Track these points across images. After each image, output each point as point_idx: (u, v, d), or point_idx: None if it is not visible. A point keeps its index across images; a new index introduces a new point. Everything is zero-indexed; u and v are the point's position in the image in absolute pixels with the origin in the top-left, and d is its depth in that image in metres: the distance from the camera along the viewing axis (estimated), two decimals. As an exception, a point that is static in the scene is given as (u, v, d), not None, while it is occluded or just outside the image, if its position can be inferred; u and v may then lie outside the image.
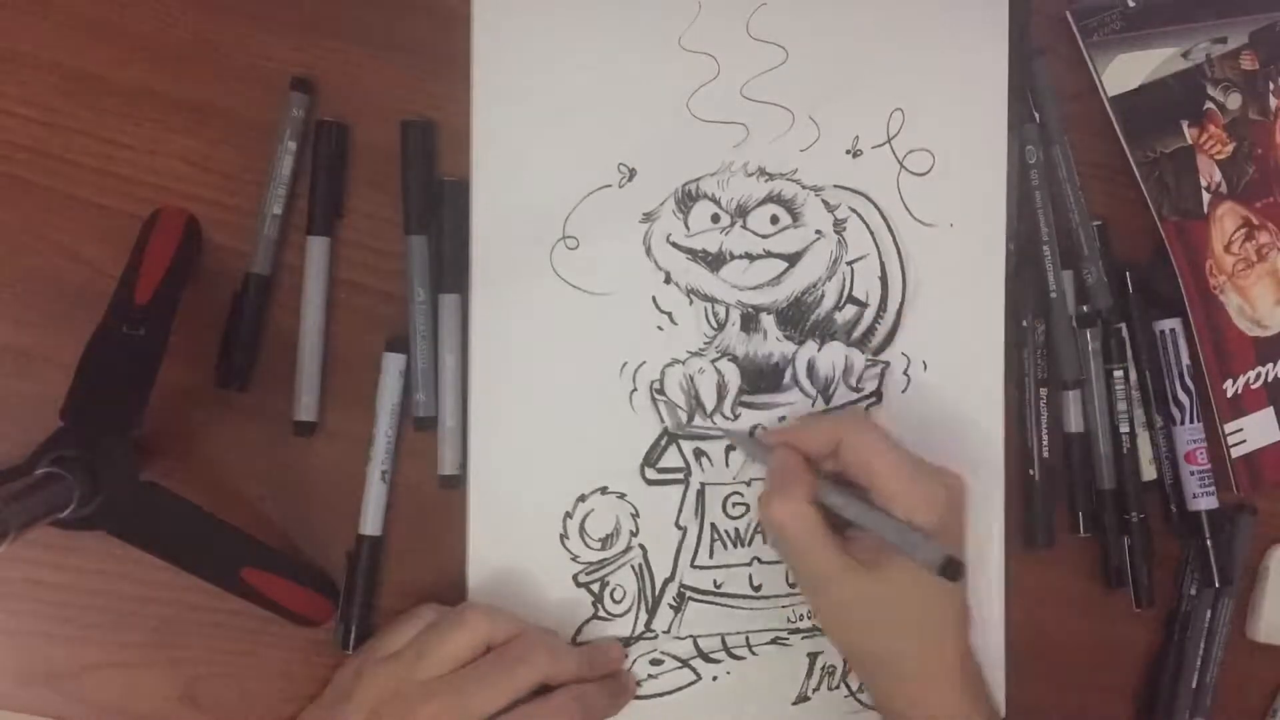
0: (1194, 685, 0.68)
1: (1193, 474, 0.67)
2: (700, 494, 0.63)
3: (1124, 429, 0.67)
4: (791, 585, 0.63)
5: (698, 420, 0.63)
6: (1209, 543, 0.67)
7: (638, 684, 0.62)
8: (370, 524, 0.61)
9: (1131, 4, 0.67)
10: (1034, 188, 0.66)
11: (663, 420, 0.62)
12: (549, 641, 0.59)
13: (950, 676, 0.57)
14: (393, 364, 0.61)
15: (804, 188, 0.63)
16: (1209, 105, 0.67)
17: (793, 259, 0.63)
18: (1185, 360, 0.67)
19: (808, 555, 0.56)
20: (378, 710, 0.55)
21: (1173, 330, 0.67)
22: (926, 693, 0.57)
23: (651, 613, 0.62)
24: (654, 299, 0.62)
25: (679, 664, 0.63)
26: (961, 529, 0.59)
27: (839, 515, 0.57)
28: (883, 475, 0.56)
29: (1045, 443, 0.66)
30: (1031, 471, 0.66)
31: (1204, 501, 0.67)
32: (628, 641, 0.62)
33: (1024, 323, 0.66)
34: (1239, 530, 0.68)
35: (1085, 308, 0.67)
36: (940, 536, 0.55)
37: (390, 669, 0.56)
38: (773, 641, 0.63)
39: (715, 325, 0.63)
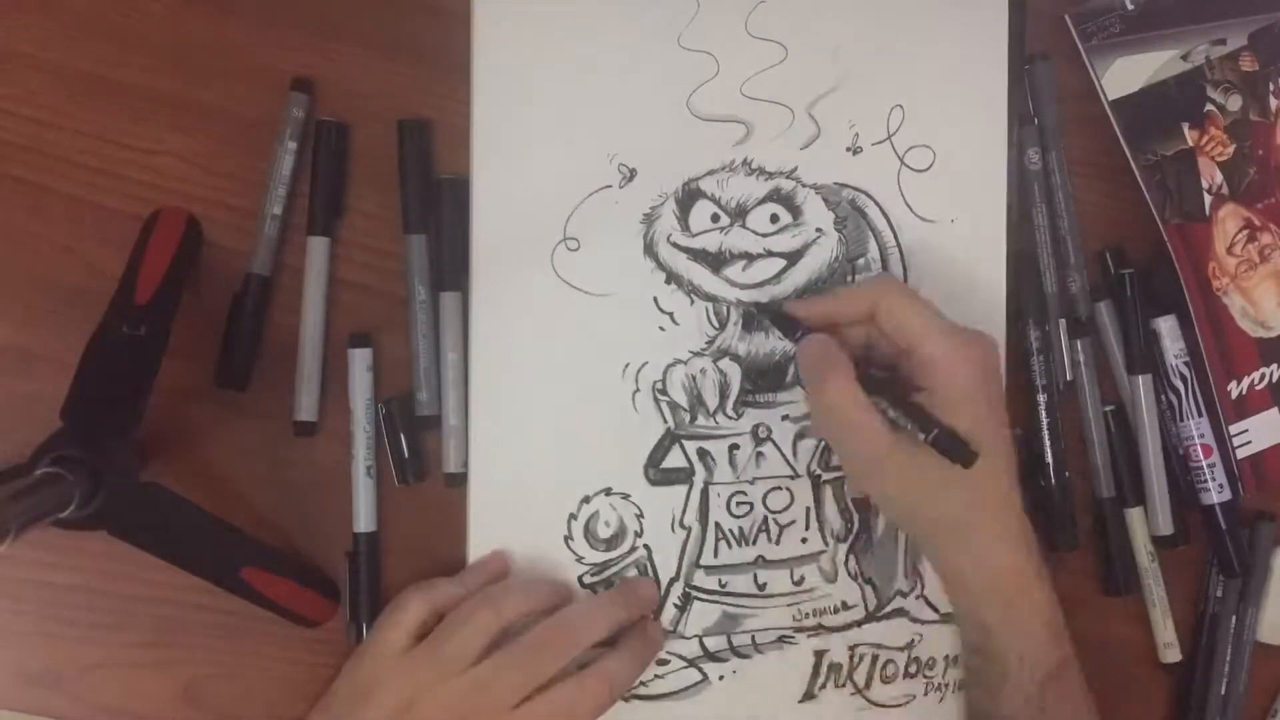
0: (1223, 693, 0.67)
1: (1196, 469, 0.66)
2: (704, 494, 0.63)
3: (1125, 431, 0.67)
4: (797, 582, 0.63)
5: (700, 420, 0.62)
6: (1226, 535, 0.66)
7: (666, 631, 0.62)
8: (363, 521, 0.61)
9: (1130, 7, 0.67)
10: (1034, 190, 0.65)
11: (666, 420, 0.62)
12: (567, 624, 0.58)
13: (1008, 533, 0.57)
14: (359, 359, 0.61)
15: (804, 185, 0.63)
16: (1209, 107, 0.67)
17: (793, 257, 0.63)
18: (1186, 360, 0.66)
19: (863, 434, 0.55)
20: (410, 705, 0.55)
21: (1171, 330, 0.67)
22: (989, 550, 0.57)
23: (656, 614, 0.62)
24: (655, 299, 0.62)
25: (685, 664, 0.62)
26: (1000, 388, 0.59)
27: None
28: (921, 337, 0.56)
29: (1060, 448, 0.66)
30: (1044, 482, 0.66)
31: (1214, 495, 0.66)
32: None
33: (1028, 331, 0.65)
34: (1259, 537, 0.68)
35: (1079, 317, 0.66)
36: (978, 396, 0.55)
37: (412, 664, 0.56)
38: (778, 640, 0.63)
39: (717, 325, 0.63)
